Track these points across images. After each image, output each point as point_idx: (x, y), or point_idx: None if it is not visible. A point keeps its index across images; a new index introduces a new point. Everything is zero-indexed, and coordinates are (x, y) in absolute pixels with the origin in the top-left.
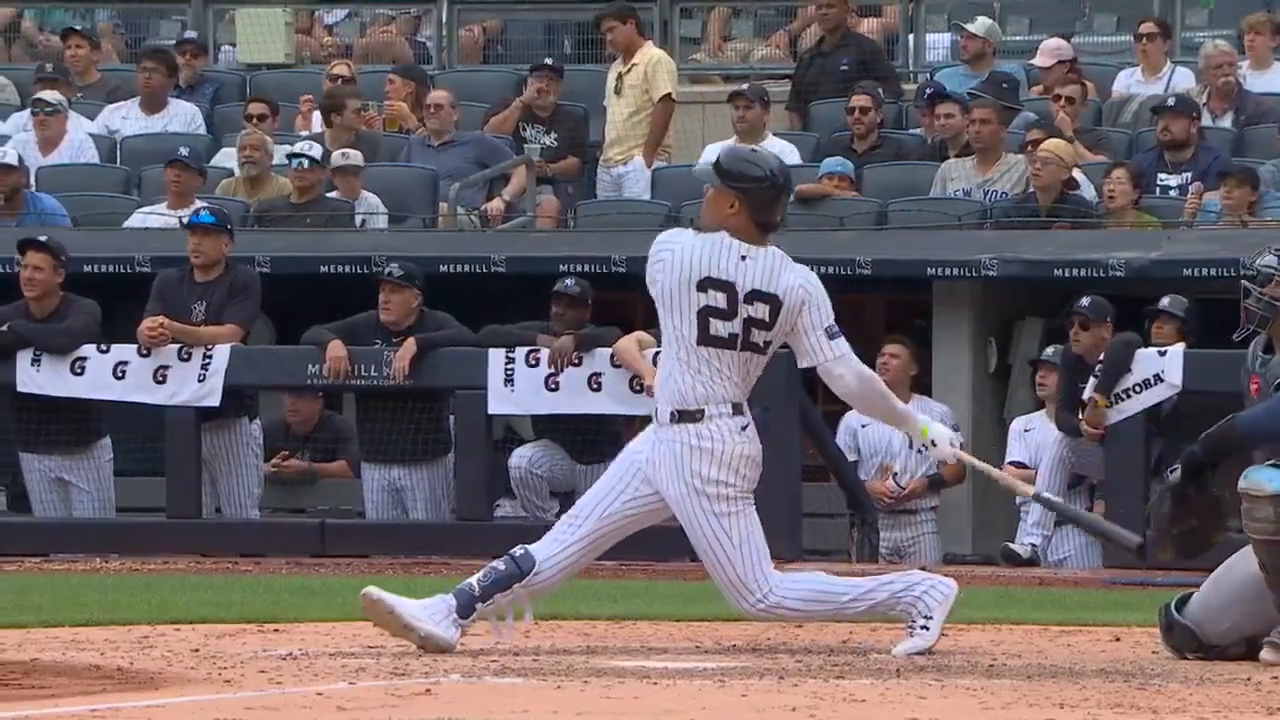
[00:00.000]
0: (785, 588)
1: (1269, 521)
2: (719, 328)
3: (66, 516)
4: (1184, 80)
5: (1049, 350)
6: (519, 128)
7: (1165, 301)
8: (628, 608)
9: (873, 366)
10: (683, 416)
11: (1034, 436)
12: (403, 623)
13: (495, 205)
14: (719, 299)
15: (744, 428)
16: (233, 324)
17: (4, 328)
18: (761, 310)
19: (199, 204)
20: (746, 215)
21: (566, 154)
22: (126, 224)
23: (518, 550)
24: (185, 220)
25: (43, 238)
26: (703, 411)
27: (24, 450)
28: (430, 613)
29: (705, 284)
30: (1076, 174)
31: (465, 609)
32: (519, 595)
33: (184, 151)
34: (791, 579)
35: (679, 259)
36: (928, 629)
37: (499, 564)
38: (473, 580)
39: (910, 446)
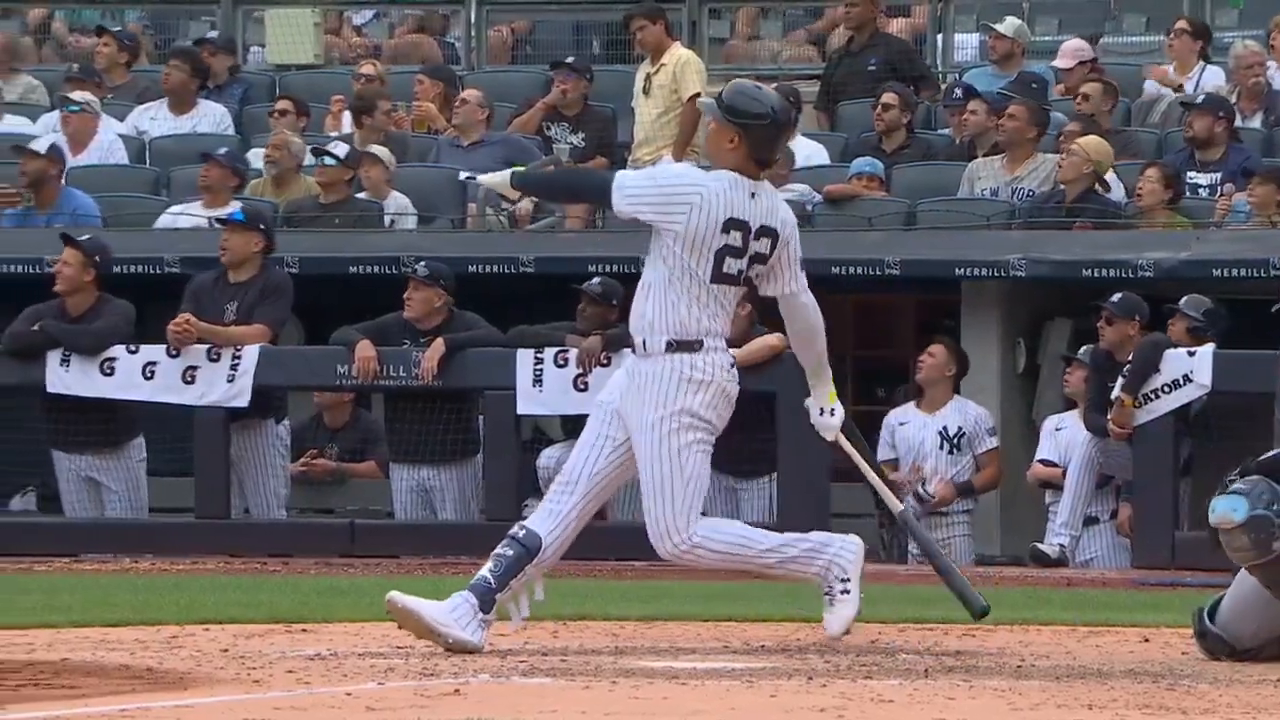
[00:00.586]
0: (707, 531)
1: (1247, 549)
2: (731, 265)
3: (97, 516)
4: (1213, 79)
5: (1083, 349)
6: (544, 127)
7: (1183, 301)
8: (656, 608)
9: (911, 366)
10: (679, 346)
11: (1064, 435)
12: (429, 627)
13: (524, 206)
14: (737, 238)
15: (732, 364)
16: (261, 324)
17: (35, 327)
18: (764, 245)
19: (236, 204)
20: (746, 151)
21: (595, 154)
22: (156, 224)
23: (519, 531)
24: (215, 220)
25: (84, 236)
26: (700, 343)
27: (56, 449)
28: (456, 616)
29: (729, 224)
30: (1109, 176)
31: (486, 603)
32: (531, 575)
33: (222, 151)
34: (714, 524)
35: (710, 200)
36: (848, 592)
37: (505, 550)
38: (485, 573)
39: (819, 412)
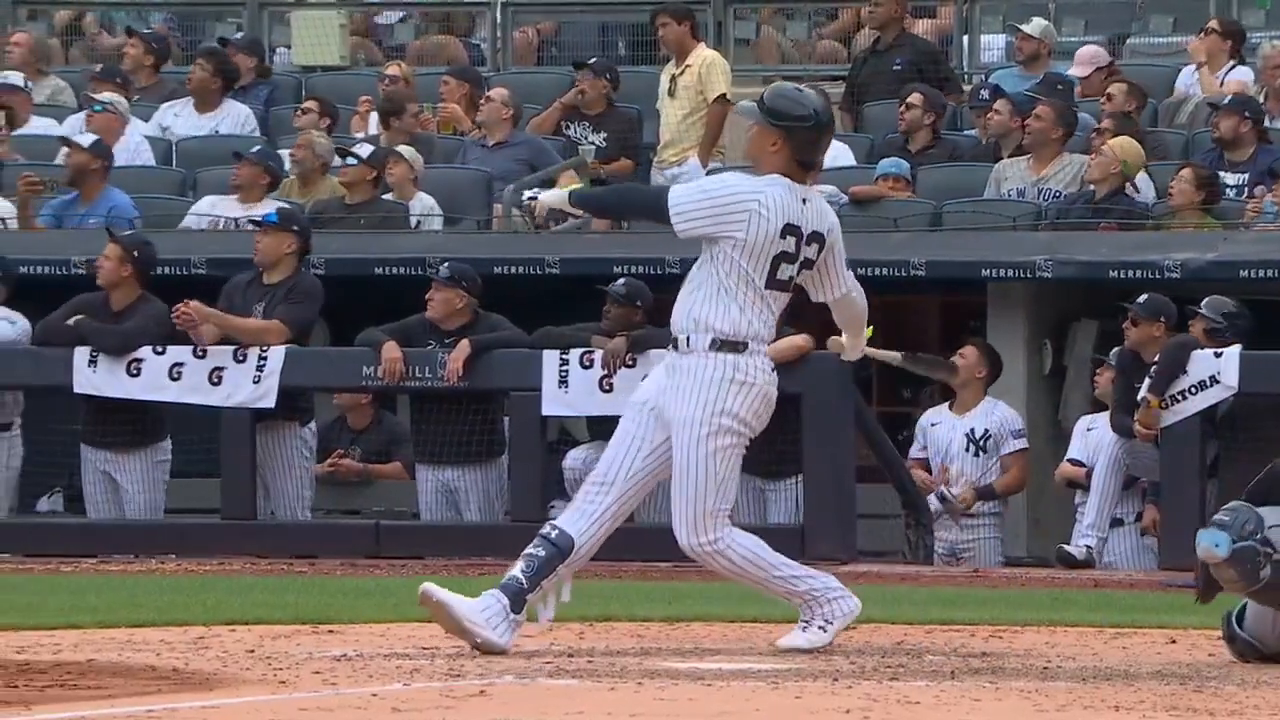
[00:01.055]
0: (733, 538)
1: (1235, 580)
2: (784, 271)
3: (120, 518)
4: (1239, 78)
5: (1114, 351)
6: (563, 126)
7: (1204, 302)
8: (681, 609)
9: None
10: (725, 346)
11: (1094, 436)
12: (459, 624)
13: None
14: (790, 244)
15: (773, 369)
16: (276, 320)
17: (71, 321)
18: (813, 251)
19: (271, 204)
20: (789, 153)
21: (619, 154)
22: (184, 221)
23: (550, 531)
24: (250, 220)
25: (126, 231)
26: (746, 345)
27: (84, 444)
28: (486, 616)
29: (786, 230)
30: (1140, 177)
31: (517, 603)
32: (562, 575)
33: (254, 149)
34: (740, 534)
35: (768, 207)
36: (825, 631)
37: (537, 550)
38: (516, 573)
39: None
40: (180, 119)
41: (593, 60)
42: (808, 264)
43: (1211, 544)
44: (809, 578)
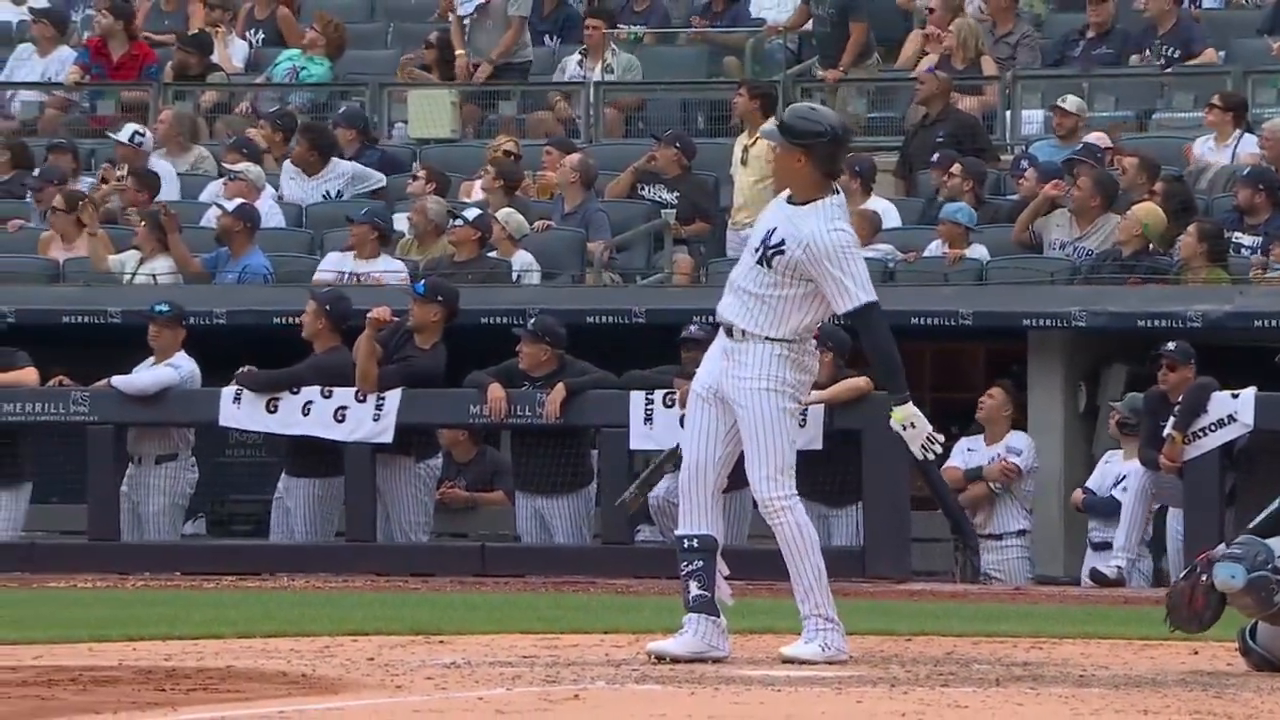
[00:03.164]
0: (800, 507)
1: (1251, 607)
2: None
3: (258, 541)
4: (1249, 148)
5: (1127, 397)
6: (638, 189)
7: (1124, 399)
8: (754, 622)
9: (976, 407)
10: (777, 341)
11: (1109, 469)
12: (693, 658)
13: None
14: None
15: (814, 349)
16: (383, 371)
17: (244, 370)
18: (775, 249)
19: (390, 259)
20: (813, 168)
21: (692, 216)
22: (317, 274)
23: (691, 541)
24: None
25: (323, 290)
26: (797, 341)
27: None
28: (708, 641)
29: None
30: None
31: (712, 611)
32: (721, 564)
33: (363, 211)
34: (808, 517)
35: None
36: (824, 650)
37: (695, 563)
38: (696, 591)
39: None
40: (294, 181)
41: (667, 132)
42: (765, 259)
43: (1229, 576)
44: (827, 596)
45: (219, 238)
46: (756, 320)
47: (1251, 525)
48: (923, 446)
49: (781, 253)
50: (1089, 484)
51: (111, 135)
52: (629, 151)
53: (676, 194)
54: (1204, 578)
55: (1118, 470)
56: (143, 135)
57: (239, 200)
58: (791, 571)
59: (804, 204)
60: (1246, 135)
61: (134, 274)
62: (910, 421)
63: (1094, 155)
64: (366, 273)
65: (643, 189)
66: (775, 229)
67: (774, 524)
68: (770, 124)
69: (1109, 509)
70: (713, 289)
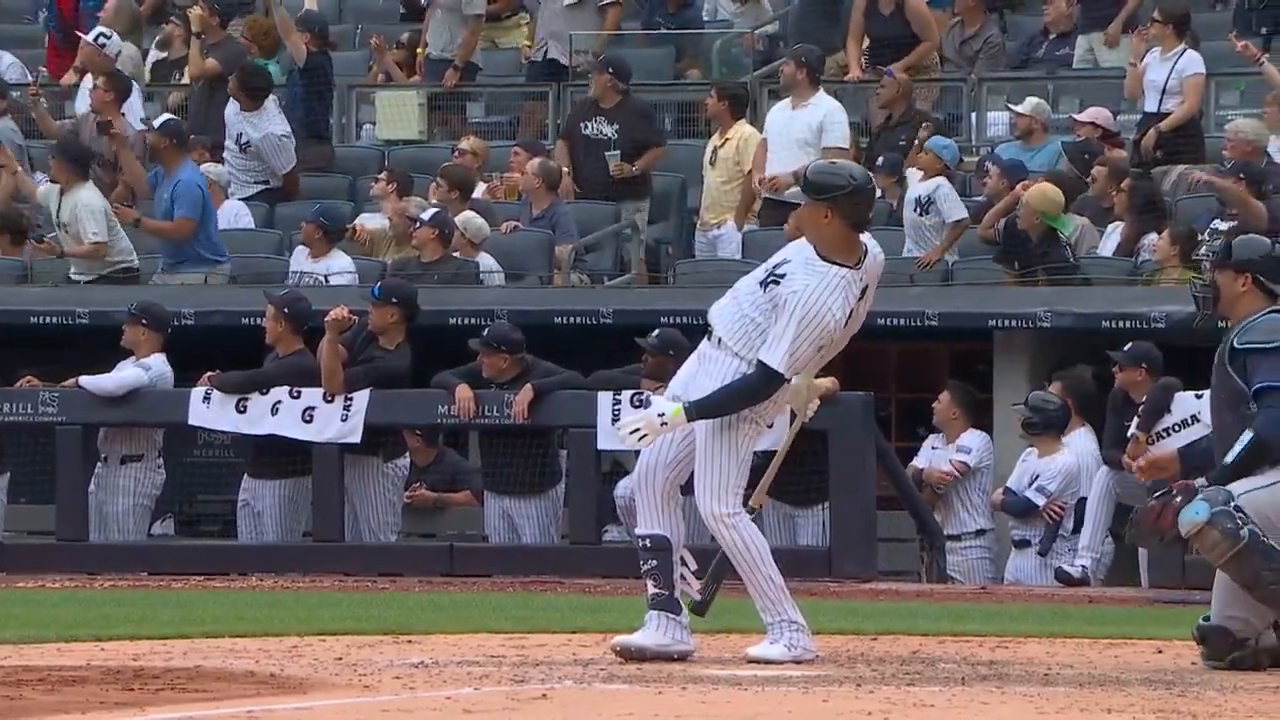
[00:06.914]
0: (748, 521)
1: (1219, 542)
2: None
3: (227, 541)
4: (1193, 67)
5: (1032, 394)
6: (580, 127)
7: (1029, 396)
8: (721, 622)
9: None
10: (747, 361)
11: (1028, 466)
12: (655, 654)
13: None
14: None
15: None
16: (351, 371)
17: (208, 375)
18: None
19: (340, 255)
20: (840, 220)
21: (639, 149)
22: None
23: (645, 542)
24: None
25: (281, 292)
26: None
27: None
28: (669, 635)
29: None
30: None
31: (674, 607)
32: (680, 557)
33: (313, 209)
34: (755, 529)
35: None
36: (790, 650)
37: (651, 561)
38: (654, 590)
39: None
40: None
41: (600, 58)
42: (766, 283)
43: (1193, 513)
44: (789, 603)
45: (151, 157)
46: (735, 334)
47: (1213, 476)
48: (630, 433)
49: (777, 284)
50: (1009, 483)
51: (81, 35)
52: None
53: (617, 126)
54: (1178, 499)
55: (1033, 469)
56: (108, 37)
57: (166, 116)
58: (747, 584)
59: (823, 258)
60: (1189, 51)
61: (58, 208)
62: (664, 420)
63: (1082, 156)
64: (312, 271)
65: (584, 126)
66: (789, 261)
67: (719, 539)
68: (794, 188)
69: (1023, 508)
70: (679, 290)
